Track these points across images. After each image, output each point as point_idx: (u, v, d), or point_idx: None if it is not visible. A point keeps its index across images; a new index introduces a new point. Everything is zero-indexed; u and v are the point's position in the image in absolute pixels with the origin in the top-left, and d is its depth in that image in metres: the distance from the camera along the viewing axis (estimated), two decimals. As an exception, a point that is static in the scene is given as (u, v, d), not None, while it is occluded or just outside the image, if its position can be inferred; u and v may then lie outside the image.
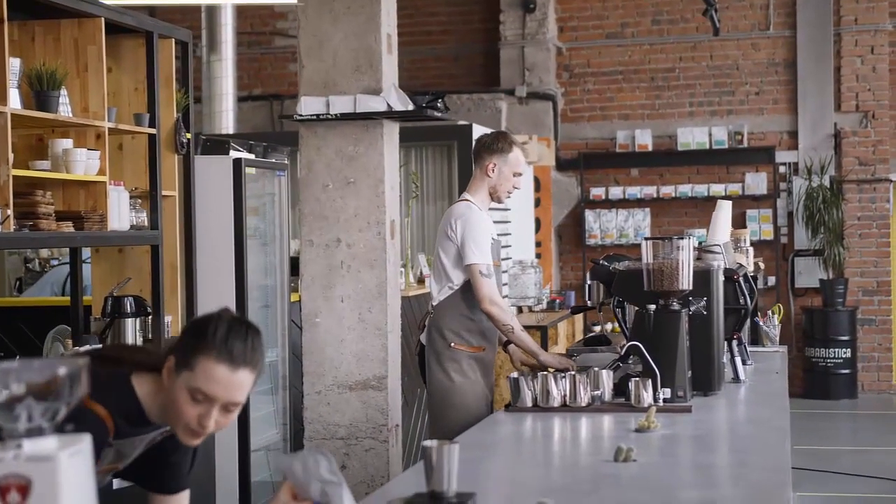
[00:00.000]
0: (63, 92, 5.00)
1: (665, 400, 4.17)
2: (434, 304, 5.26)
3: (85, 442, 1.82)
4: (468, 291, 5.13)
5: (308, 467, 2.50)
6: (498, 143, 5.27)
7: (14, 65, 4.79)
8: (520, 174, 5.29)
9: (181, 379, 2.51)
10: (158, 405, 2.60)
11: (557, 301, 11.23)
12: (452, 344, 5.15)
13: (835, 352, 11.95)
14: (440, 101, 6.36)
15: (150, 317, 5.63)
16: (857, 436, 10.67)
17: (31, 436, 1.78)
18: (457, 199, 5.61)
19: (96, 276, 5.84)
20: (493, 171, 5.24)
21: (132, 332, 5.52)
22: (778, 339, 6.33)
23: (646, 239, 4.44)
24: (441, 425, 5.11)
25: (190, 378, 2.50)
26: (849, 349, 11.97)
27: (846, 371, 11.99)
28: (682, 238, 4.39)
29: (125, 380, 2.61)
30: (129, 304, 5.49)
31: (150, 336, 5.66)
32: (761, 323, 6.28)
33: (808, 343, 12.04)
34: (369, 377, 6.07)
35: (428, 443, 2.67)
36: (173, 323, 5.88)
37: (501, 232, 10.30)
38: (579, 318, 11.26)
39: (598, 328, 11.93)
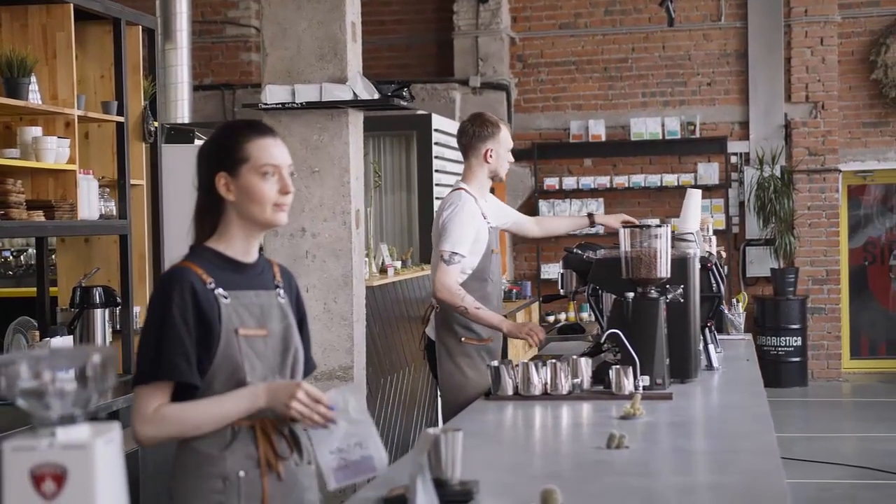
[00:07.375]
0: (33, 79, 4.93)
1: (644, 387, 4.20)
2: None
3: (115, 430, 1.81)
4: (473, 282, 5.07)
5: (336, 406, 2.53)
6: (487, 128, 5.28)
7: (-18, 51, 4.72)
8: (511, 147, 5.39)
9: (244, 175, 2.80)
10: (236, 235, 2.84)
11: (514, 291, 11.27)
12: (463, 339, 5.10)
13: (786, 340, 12.10)
14: (406, 90, 6.35)
15: (119, 307, 5.56)
16: (808, 423, 10.80)
17: (64, 424, 1.76)
18: (445, 189, 5.56)
19: (62, 266, 5.77)
20: (491, 156, 5.26)
21: (101, 322, 5.44)
22: (742, 327, 6.39)
23: (624, 226, 4.46)
24: None
25: (251, 166, 2.79)
26: (799, 337, 12.13)
27: (797, 359, 12.15)
28: (659, 226, 4.41)
29: (198, 246, 2.86)
30: (98, 295, 5.41)
31: (118, 327, 5.60)
32: (727, 311, 6.33)
33: (760, 331, 12.17)
34: (335, 367, 6.05)
35: (432, 430, 2.66)
36: (142, 313, 5.82)
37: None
38: (535, 307, 11.31)
39: (563, 317, 12.00)
